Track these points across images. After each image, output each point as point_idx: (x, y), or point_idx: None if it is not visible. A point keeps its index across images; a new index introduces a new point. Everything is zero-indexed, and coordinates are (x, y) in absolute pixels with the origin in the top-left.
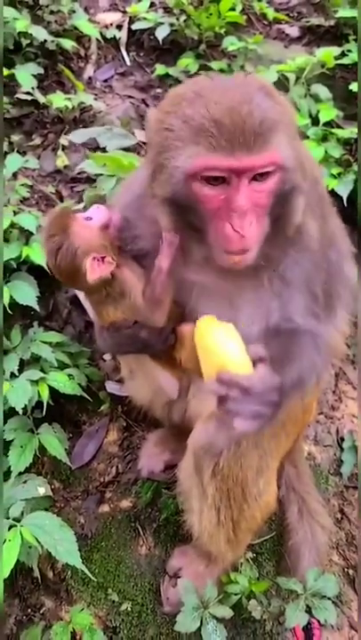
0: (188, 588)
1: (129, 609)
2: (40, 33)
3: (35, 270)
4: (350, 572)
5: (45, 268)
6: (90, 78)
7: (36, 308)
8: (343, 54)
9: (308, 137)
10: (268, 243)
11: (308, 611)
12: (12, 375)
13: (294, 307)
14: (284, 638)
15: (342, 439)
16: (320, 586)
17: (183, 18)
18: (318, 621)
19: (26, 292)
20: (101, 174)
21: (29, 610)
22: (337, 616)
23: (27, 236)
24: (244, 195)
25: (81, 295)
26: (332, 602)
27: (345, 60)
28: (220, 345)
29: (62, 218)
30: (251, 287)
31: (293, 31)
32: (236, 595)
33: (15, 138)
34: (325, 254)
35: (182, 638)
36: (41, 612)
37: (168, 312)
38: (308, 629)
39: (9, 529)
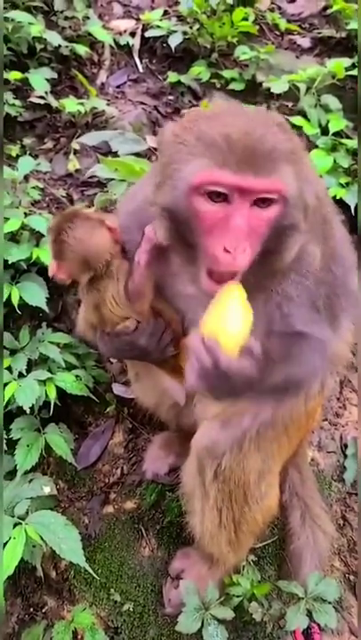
0: (189, 590)
1: (131, 609)
2: (54, 38)
3: (44, 272)
4: (351, 577)
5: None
6: (102, 84)
7: (45, 309)
8: (354, 66)
9: (317, 146)
10: (258, 272)
11: (309, 615)
12: (20, 375)
13: (296, 317)
14: None
15: (346, 446)
16: (321, 590)
17: (196, 26)
18: (319, 626)
19: (35, 293)
20: (113, 179)
21: (31, 609)
22: (337, 621)
23: (37, 237)
24: (243, 216)
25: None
26: (333, 607)
27: (355, 72)
28: (228, 313)
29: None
30: (250, 300)
31: (305, 42)
32: (237, 597)
33: (27, 141)
34: (329, 270)
35: (183, 638)
36: (43, 610)
37: (161, 309)
38: (308, 634)
39: (13, 527)
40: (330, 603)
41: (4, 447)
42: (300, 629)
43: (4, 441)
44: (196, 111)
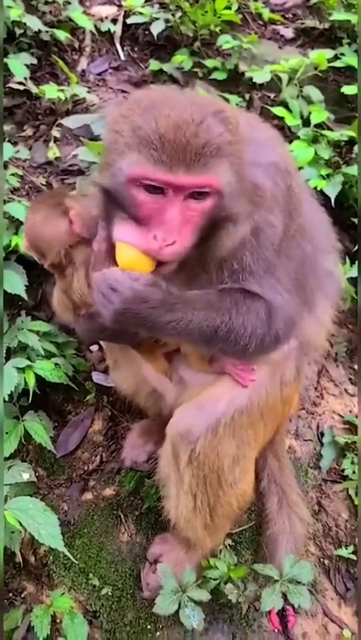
0: (167, 573)
1: (109, 593)
2: (34, 23)
3: (24, 260)
4: (326, 562)
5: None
6: (83, 71)
7: (25, 297)
8: (337, 57)
9: (298, 137)
10: (200, 257)
11: (284, 597)
12: None
13: (248, 279)
14: (260, 624)
15: (322, 434)
16: (296, 572)
17: (179, 14)
18: (293, 608)
19: (14, 282)
20: (95, 162)
21: (10, 594)
22: (311, 604)
23: (16, 225)
24: (176, 209)
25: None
26: (308, 590)
27: (338, 64)
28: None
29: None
30: (201, 272)
31: (288, 32)
32: (214, 580)
33: (6, 128)
34: (298, 245)
35: (160, 621)
36: (22, 595)
37: None
38: (283, 616)
39: None
40: (304, 585)
41: None
42: (275, 610)
43: None
44: (136, 97)
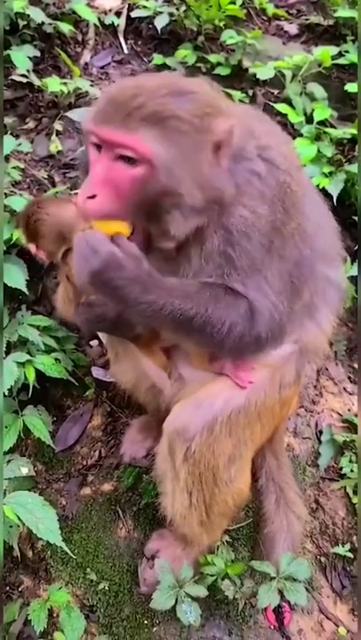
0: (164, 568)
1: (106, 588)
2: (38, 14)
3: (24, 254)
4: (322, 559)
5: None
6: (86, 64)
7: (25, 291)
8: (340, 54)
9: (301, 135)
10: (156, 235)
11: (280, 593)
12: None
13: (235, 276)
14: (256, 620)
15: (321, 432)
16: (293, 570)
17: (183, 8)
18: (289, 604)
19: (15, 275)
20: None
21: (8, 587)
22: (307, 601)
23: (18, 219)
24: (101, 165)
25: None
26: (304, 587)
27: (342, 61)
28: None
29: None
30: (183, 260)
31: (292, 28)
32: (211, 576)
33: (8, 120)
34: (295, 246)
35: (157, 617)
36: (19, 589)
37: None
38: (279, 612)
39: None
40: (301, 582)
41: None
42: (272, 607)
43: None
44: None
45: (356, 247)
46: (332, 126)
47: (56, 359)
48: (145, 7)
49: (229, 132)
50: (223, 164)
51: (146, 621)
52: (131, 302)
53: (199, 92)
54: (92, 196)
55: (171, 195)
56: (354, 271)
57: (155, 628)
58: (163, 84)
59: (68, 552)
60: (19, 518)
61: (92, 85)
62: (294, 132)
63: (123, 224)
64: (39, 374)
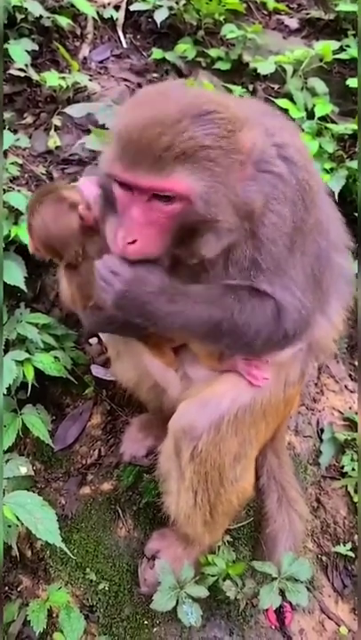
0: (165, 569)
1: (106, 588)
2: (36, 8)
3: (23, 250)
4: (324, 558)
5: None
6: (85, 58)
7: (24, 288)
8: (342, 49)
9: (303, 130)
10: (188, 257)
11: (282, 594)
12: None
13: (261, 278)
14: (258, 620)
15: (322, 430)
16: (294, 570)
17: (182, 2)
18: (291, 605)
19: (14, 273)
20: (101, 152)
21: (7, 588)
22: (309, 600)
23: (16, 215)
24: (138, 209)
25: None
26: (305, 586)
27: (343, 55)
28: None
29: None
30: (208, 267)
31: (293, 23)
32: (212, 576)
33: (6, 115)
34: (314, 240)
35: (157, 617)
36: (18, 589)
37: None
38: (280, 612)
39: None
40: (302, 582)
41: None
42: (273, 608)
43: None
44: (140, 91)
45: (357, 245)
46: (334, 122)
47: (55, 357)
48: (144, 1)
49: (254, 144)
50: (249, 173)
51: (146, 622)
52: (159, 316)
53: (216, 109)
54: (133, 242)
55: (208, 222)
56: (354, 269)
57: (155, 629)
58: (180, 110)
59: (68, 552)
60: (17, 518)
61: (90, 80)
62: (291, 122)
63: None
64: (38, 372)
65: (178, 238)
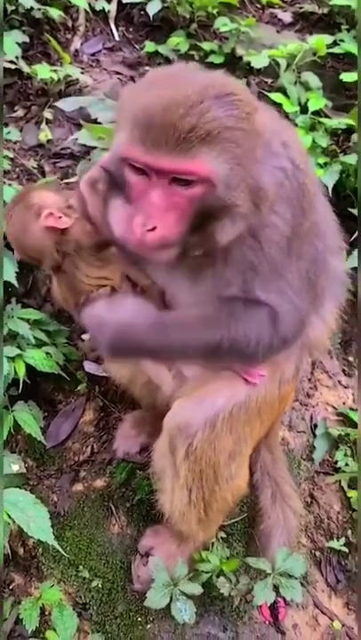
0: (158, 566)
1: (99, 586)
2: None
3: None
4: (317, 553)
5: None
6: (76, 51)
7: (15, 284)
8: (335, 43)
9: (296, 125)
10: (196, 246)
11: (276, 589)
12: None
13: (257, 282)
14: (251, 615)
15: (315, 426)
16: (288, 566)
17: None
18: (284, 600)
19: (5, 268)
20: (95, 147)
21: None
22: (302, 595)
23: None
24: (157, 194)
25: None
26: (299, 582)
27: (337, 50)
28: None
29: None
30: (206, 264)
31: (286, 16)
32: (206, 573)
33: None
34: (312, 243)
35: (151, 614)
36: (10, 587)
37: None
38: (274, 608)
39: None
40: (296, 578)
41: None
42: (267, 604)
43: None
44: (149, 74)
45: (352, 240)
46: (327, 116)
47: (47, 353)
48: None
49: (267, 129)
50: (263, 156)
51: (140, 619)
52: (159, 350)
53: (233, 91)
54: (153, 229)
55: (227, 205)
56: (351, 263)
57: (148, 626)
58: (200, 91)
59: (60, 550)
60: (9, 516)
61: (82, 73)
62: (289, 122)
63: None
64: (30, 369)
65: (194, 224)
